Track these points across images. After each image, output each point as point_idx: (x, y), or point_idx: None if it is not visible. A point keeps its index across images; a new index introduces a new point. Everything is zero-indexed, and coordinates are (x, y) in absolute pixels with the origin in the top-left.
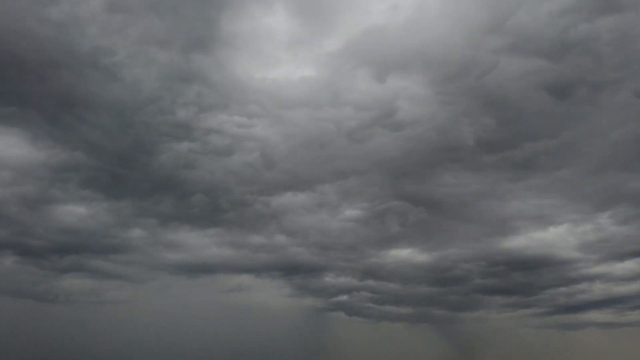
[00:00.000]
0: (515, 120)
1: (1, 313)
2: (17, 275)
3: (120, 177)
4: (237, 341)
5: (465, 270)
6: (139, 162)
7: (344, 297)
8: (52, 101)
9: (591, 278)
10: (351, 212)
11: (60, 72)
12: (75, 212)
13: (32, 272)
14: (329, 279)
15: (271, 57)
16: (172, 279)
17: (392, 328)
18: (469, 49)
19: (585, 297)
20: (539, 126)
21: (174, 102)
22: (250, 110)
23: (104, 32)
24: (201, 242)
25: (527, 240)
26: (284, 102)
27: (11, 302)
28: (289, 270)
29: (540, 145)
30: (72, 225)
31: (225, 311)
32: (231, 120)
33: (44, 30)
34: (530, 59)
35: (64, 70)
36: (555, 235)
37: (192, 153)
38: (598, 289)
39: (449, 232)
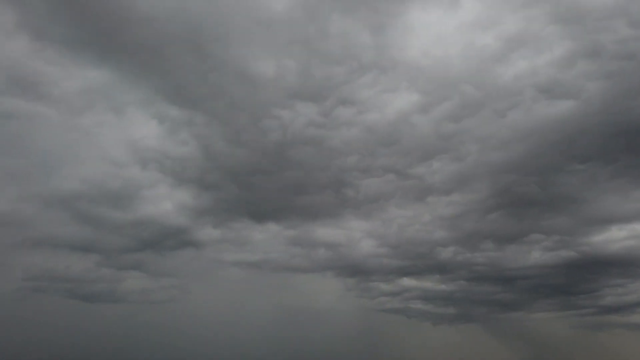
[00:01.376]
0: None
1: (56, 312)
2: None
3: (226, 158)
4: (286, 340)
5: (537, 267)
6: (253, 136)
7: (400, 298)
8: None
9: None
10: (451, 199)
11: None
12: (162, 206)
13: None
14: (393, 279)
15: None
16: (232, 277)
17: (450, 330)
18: None
19: (632, 298)
20: None
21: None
22: (397, 80)
23: None
24: (267, 238)
25: (628, 232)
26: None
27: (68, 302)
28: (349, 269)
29: None
30: (152, 221)
31: (279, 311)
32: (371, 88)
33: None
34: None
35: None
36: None
37: (311, 125)
38: None
39: (546, 224)
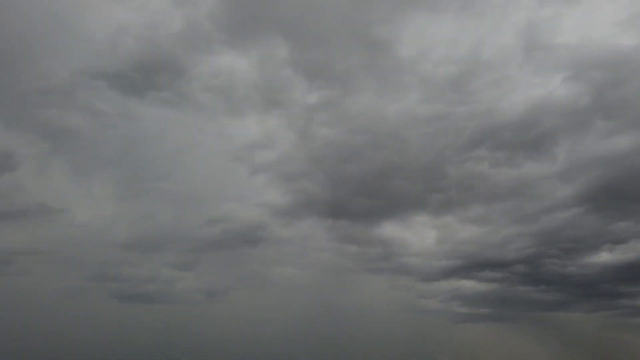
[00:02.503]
0: None
1: (102, 312)
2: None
3: (321, 140)
4: (321, 339)
5: (601, 265)
6: (365, 111)
7: (451, 298)
8: None
9: None
10: (540, 192)
11: None
12: (240, 205)
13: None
14: (447, 279)
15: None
16: (285, 277)
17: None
18: None
19: None
20: None
21: None
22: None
23: None
24: (327, 236)
25: None
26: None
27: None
28: (403, 270)
29: None
30: (223, 220)
31: (322, 310)
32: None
33: None
34: None
35: None
36: None
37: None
38: None
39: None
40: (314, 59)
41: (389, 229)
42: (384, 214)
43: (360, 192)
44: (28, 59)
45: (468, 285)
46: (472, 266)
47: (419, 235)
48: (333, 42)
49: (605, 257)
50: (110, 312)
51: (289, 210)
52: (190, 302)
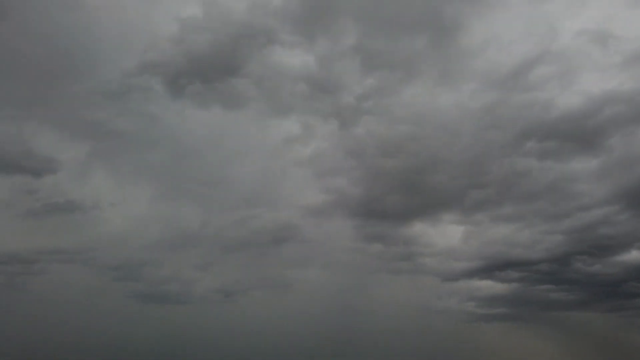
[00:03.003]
0: None
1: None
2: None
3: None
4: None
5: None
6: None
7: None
8: None
9: None
10: (580, 190)
11: None
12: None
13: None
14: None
15: None
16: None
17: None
18: None
19: None
20: None
21: None
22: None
23: None
24: (352, 236)
25: None
26: None
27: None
28: (426, 270)
29: None
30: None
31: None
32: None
33: None
34: None
35: None
36: None
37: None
38: None
39: None
40: (379, 45)
41: (419, 228)
42: (416, 212)
43: (396, 188)
44: (86, 59)
45: (490, 285)
46: (496, 266)
47: (447, 234)
48: (402, 23)
49: (635, 255)
50: (131, 311)
51: (320, 210)
52: (211, 301)
